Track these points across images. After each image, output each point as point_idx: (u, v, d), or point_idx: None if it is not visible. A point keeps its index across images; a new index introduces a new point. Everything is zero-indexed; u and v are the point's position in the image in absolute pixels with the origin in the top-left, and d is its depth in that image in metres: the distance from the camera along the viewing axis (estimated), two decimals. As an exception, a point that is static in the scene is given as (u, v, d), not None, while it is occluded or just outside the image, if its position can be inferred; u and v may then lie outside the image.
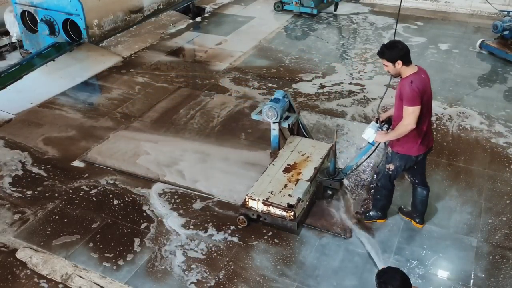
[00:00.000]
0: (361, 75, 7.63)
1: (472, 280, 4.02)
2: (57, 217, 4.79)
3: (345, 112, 6.54)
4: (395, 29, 5.67)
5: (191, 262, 4.24)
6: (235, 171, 5.42)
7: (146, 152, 5.79)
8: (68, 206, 4.94)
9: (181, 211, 4.85)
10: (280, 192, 4.54)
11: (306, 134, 5.40)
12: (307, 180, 4.65)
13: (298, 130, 5.40)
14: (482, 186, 5.11)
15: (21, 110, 6.76)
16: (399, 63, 3.88)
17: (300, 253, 4.33)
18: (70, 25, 8.59)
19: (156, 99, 7.01)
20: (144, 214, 4.83)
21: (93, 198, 5.06)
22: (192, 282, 4.05)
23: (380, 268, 3.94)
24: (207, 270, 4.16)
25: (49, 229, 4.65)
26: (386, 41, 8.91)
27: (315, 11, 10.23)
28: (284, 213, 4.40)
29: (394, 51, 3.87)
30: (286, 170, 4.82)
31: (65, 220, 4.76)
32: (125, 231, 4.60)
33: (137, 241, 4.48)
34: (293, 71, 7.82)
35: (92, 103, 7.06)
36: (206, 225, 4.66)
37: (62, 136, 6.14)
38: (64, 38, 8.66)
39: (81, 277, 4.13)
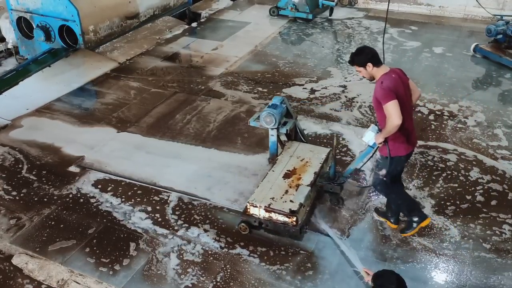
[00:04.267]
0: (357, 79, 7.67)
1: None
2: (53, 223, 4.78)
3: (339, 117, 6.58)
4: (384, 32, 5.71)
5: (186, 266, 4.23)
6: (232, 175, 5.43)
7: (142, 157, 5.80)
8: (64, 212, 4.93)
9: (177, 213, 4.86)
10: (281, 198, 4.48)
11: (303, 139, 5.41)
12: (308, 185, 4.61)
13: (295, 135, 5.39)
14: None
15: (17, 116, 6.76)
16: (369, 66, 4.02)
17: (298, 256, 4.33)
18: (66, 31, 8.60)
19: (152, 104, 7.02)
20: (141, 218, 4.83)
21: (90, 203, 5.05)
22: (186, 286, 4.04)
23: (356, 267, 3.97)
24: (203, 274, 4.15)
25: (45, 234, 4.64)
26: (381, 45, 8.99)
27: (310, 16, 10.29)
28: (286, 219, 4.34)
29: (362, 56, 4.05)
30: (286, 175, 4.77)
31: (61, 225, 4.75)
32: (121, 235, 4.60)
33: (133, 245, 4.47)
34: (288, 76, 7.85)
35: (88, 108, 7.06)
36: (202, 227, 4.67)
37: (58, 142, 6.14)
38: (60, 44, 8.67)
39: (77, 282, 4.12)
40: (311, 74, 7.91)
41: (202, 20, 10.77)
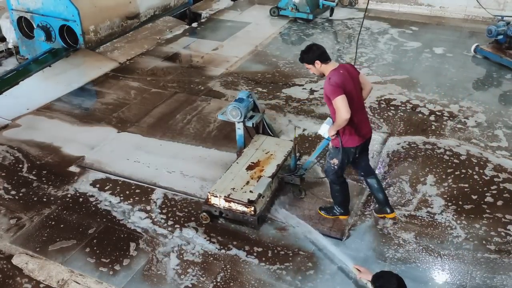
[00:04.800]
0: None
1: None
2: (53, 223, 4.78)
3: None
4: (359, 34, 5.68)
5: (187, 266, 4.23)
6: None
7: (142, 157, 5.80)
8: (65, 212, 4.93)
9: (176, 215, 4.86)
10: (241, 188, 4.65)
11: (271, 133, 5.54)
12: (269, 177, 4.78)
13: (263, 129, 5.55)
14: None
15: (17, 115, 6.76)
16: (317, 63, 4.17)
17: (297, 256, 4.33)
18: (66, 31, 8.60)
19: (152, 105, 7.02)
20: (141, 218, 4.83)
21: (90, 203, 5.05)
22: (186, 286, 4.04)
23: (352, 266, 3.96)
24: (203, 274, 4.15)
25: (45, 234, 4.64)
26: (381, 45, 9.02)
27: (310, 17, 10.28)
28: (245, 209, 4.52)
29: (310, 53, 4.19)
30: (250, 167, 4.95)
31: (61, 225, 4.75)
32: (121, 235, 4.60)
33: (133, 245, 4.47)
34: (288, 76, 7.85)
35: (88, 108, 7.06)
36: (202, 228, 4.67)
37: (58, 142, 6.14)
38: (61, 44, 8.67)
39: (77, 282, 4.12)
40: (311, 74, 7.88)
41: (202, 20, 10.76)
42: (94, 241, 4.54)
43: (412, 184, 5.22)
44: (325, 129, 4.36)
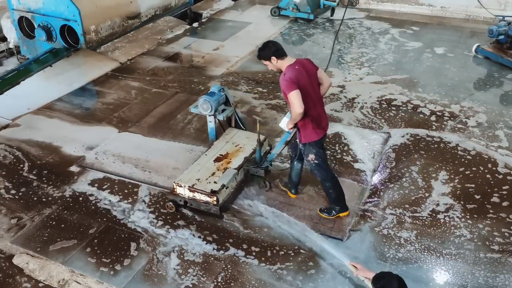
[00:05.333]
0: (357, 78, 7.67)
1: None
2: (54, 223, 4.78)
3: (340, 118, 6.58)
4: (338, 30, 5.69)
5: (187, 266, 4.23)
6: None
7: (143, 156, 5.80)
8: (65, 212, 4.93)
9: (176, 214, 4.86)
10: (206, 179, 4.80)
11: (243, 127, 5.66)
12: (235, 168, 4.93)
13: (235, 123, 5.68)
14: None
15: (18, 115, 6.76)
16: (274, 59, 4.31)
17: (298, 257, 4.33)
18: (67, 31, 8.60)
19: (153, 104, 7.02)
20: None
21: (90, 203, 5.05)
22: (186, 286, 4.04)
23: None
24: (204, 274, 4.15)
25: (46, 234, 4.64)
26: (382, 45, 9.01)
27: (311, 17, 10.28)
28: (208, 199, 4.65)
29: (266, 50, 4.34)
30: (217, 159, 5.12)
31: (62, 225, 4.75)
32: (122, 235, 4.60)
33: (133, 245, 4.47)
34: (290, 76, 7.83)
35: (89, 108, 7.06)
36: (201, 228, 4.67)
37: (58, 141, 6.14)
38: (62, 44, 8.67)
39: (78, 282, 4.12)
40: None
41: (203, 20, 10.76)
42: (95, 241, 4.54)
43: (413, 183, 5.23)
44: (284, 123, 4.54)
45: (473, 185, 5.18)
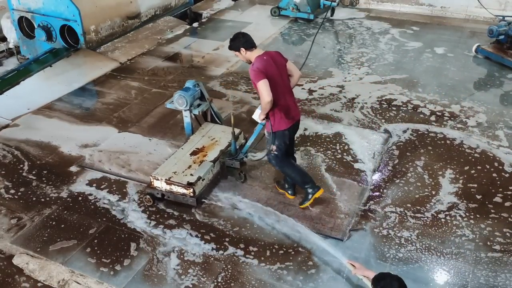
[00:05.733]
0: (357, 78, 7.67)
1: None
2: (54, 223, 4.78)
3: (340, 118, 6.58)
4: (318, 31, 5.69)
5: (187, 266, 4.23)
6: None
7: (143, 157, 5.79)
8: (65, 212, 4.93)
9: (176, 213, 4.86)
10: (183, 172, 4.93)
11: (218, 121, 5.75)
12: (211, 161, 5.07)
13: (211, 117, 5.78)
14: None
15: (18, 115, 6.76)
16: (243, 50, 4.50)
17: (298, 257, 4.32)
18: (67, 31, 8.60)
19: (153, 104, 7.01)
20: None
21: (90, 203, 5.05)
22: (186, 287, 4.04)
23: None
24: (204, 274, 4.15)
25: (46, 234, 4.63)
26: (382, 45, 9.01)
27: (311, 17, 10.28)
28: (185, 191, 4.77)
29: (236, 41, 4.55)
30: (194, 153, 5.25)
31: (62, 225, 4.75)
32: (122, 236, 4.60)
33: (133, 245, 4.47)
34: (290, 76, 7.83)
35: (88, 108, 7.06)
36: (201, 228, 4.66)
37: (58, 141, 6.13)
38: (61, 44, 8.67)
39: (78, 283, 4.12)
40: (312, 74, 7.90)
41: (203, 20, 10.76)
42: (95, 241, 4.54)
43: (415, 182, 5.22)
44: (257, 115, 4.65)
45: (475, 185, 5.18)
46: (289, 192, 5.01)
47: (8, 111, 6.85)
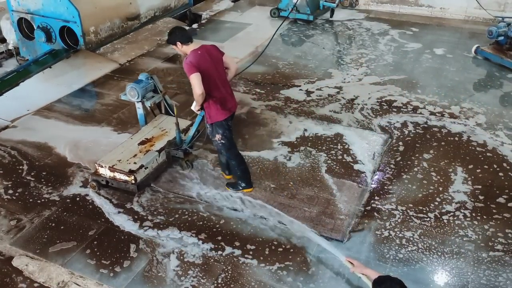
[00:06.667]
0: (356, 79, 7.67)
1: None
2: (53, 224, 4.77)
3: (339, 119, 6.58)
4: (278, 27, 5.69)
5: (187, 267, 4.22)
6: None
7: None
8: (65, 213, 4.92)
9: (176, 215, 4.85)
10: (127, 160, 5.15)
11: (172, 113, 5.77)
12: (156, 151, 5.29)
13: (166, 110, 5.91)
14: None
15: (17, 117, 6.75)
16: (179, 44, 4.64)
17: (300, 259, 4.32)
18: (66, 32, 8.60)
19: (153, 106, 7.01)
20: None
21: (90, 204, 5.04)
22: (189, 289, 4.04)
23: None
24: (204, 276, 4.14)
25: (46, 236, 4.63)
26: (382, 46, 9.01)
27: (311, 18, 10.28)
28: (126, 178, 4.99)
29: (173, 36, 4.70)
30: (142, 143, 5.49)
31: (62, 227, 4.74)
32: (122, 237, 4.59)
33: (133, 246, 4.46)
34: (289, 77, 7.84)
35: (88, 109, 7.05)
36: (201, 230, 4.66)
37: (57, 143, 6.12)
38: (61, 45, 8.67)
39: (77, 284, 4.11)
40: (311, 75, 7.90)
41: (202, 21, 10.76)
42: (95, 242, 4.53)
43: (418, 181, 5.22)
44: (193, 105, 4.81)
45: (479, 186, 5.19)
46: (226, 172, 5.26)
47: (8, 112, 6.85)
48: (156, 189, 5.22)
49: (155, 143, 5.45)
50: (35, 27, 8.70)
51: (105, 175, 5.09)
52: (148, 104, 5.60)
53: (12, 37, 9.17)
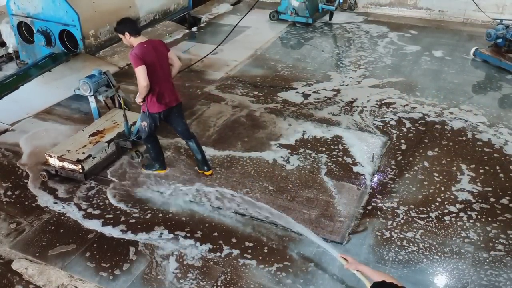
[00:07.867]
0: (355, 81, 7.68)
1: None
2: (53, 228, 4.77)
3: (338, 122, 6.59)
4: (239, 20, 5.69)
5: (186, 270, 4.22)
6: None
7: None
8: (63, 217, 4.92)
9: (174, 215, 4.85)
10: (76, 151, 5.42)
11: (125, 107, 5.90)
12: (106, 142, 5.57)
13: (119, 104, 6.06)
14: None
15: (17, 120, 6.76)
16: (127, 35, 4.75)
17: (299, 260, 4.32)
18: (66, 36, 8.61)
19: (152, 109, 7.01)
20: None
21: (90, 207, 5.04)
22: (188, 291, 4.04)
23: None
24: (203, 278, 4.14)
25: (45, 239, 4.63)
26: (381, 49, 9.03)
27: (310, 21, 10.31)
28: (74, 167, 5.25)
29: (122, 25, 4.79)
30: (93, 134, 5.74)
31: (61, 230, 4.74)
32: (121, 240, 4.59)
33: (132, 249, 4.47)
34: (288, 80, 7.85)
35: (87, 113, 7.02)
36: (201, 232, 4.66)
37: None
38: (61, 49, 8.68)
39: (77, 287, 4.11)
40: (311, 78, 7.92)
41: (202, 24, 10.79)
42: (94, 245, 4.53)
43: (418, 182, 5.23)
44: (137, 97, 4.93)
45: (482, 187, 5.19)
46: (205, 168, 5.37)
47: (7, 116, 6.85)
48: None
49: (106, 135, 5.70)
50: (34, 31, 8.71)
51: (55, 164, 5.32)
52: (101, 98, 5.85)
53: (11, 40, 9.17)
